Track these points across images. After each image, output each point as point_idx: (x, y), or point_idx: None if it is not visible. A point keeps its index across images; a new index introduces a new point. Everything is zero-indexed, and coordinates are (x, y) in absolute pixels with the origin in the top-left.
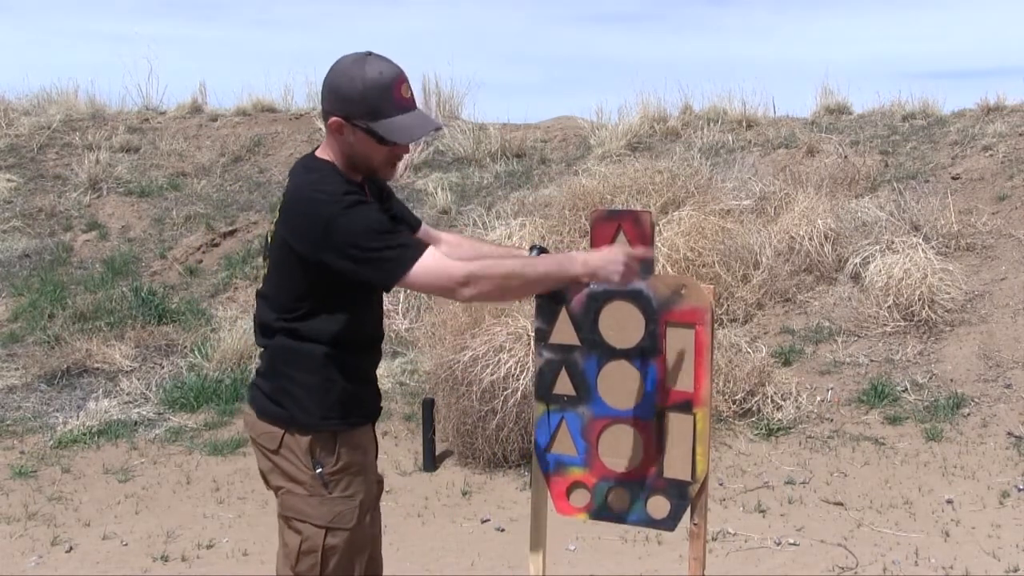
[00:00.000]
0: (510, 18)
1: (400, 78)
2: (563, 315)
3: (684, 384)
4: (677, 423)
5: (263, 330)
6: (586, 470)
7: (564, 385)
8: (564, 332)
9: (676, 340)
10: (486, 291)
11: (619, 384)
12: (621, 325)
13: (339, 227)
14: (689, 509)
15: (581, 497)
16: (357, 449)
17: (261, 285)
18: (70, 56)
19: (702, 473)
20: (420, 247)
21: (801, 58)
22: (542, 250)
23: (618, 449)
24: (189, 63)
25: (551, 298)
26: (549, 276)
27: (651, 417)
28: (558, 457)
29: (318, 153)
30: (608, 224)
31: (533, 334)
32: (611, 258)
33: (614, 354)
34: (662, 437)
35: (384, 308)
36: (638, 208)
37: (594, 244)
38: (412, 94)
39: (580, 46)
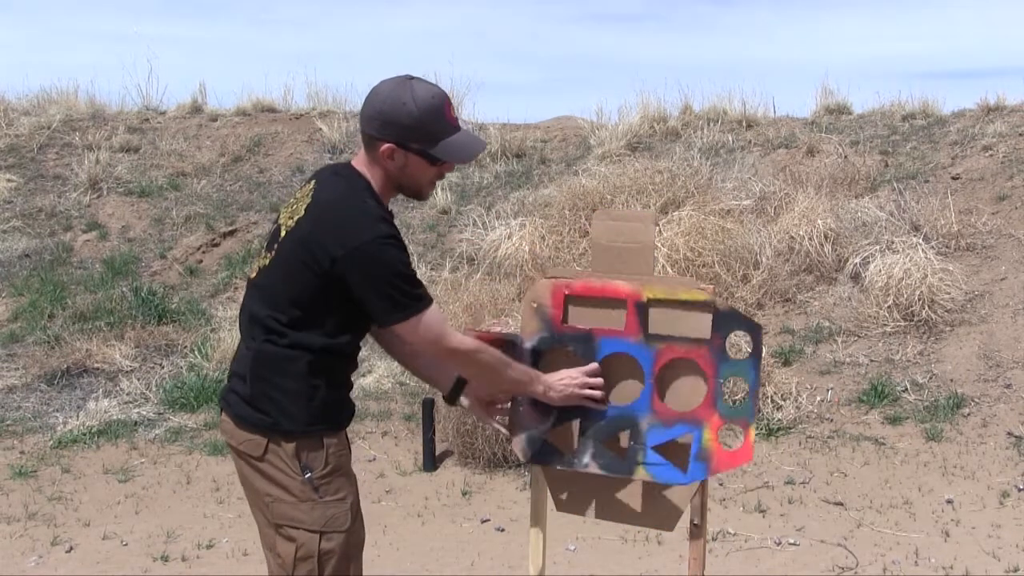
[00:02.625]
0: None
1: (447, 99)
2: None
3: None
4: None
5: (252, 323)
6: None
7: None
8: None
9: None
10: (459, 368)
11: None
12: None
13: (372, 253)
14: (689, 509)
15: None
16: (343, 451)
17: (255, 274)
18: (70, 56)
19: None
20: (429, 302)
21: (801, 58)
22: (511, 342)
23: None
24: (189, 63)
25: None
26: (515, 385)
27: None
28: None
29: (356, 165)
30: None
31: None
32: (570, 384)
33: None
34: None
35: None
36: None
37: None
38: (457, 112)
39: (580, 46)
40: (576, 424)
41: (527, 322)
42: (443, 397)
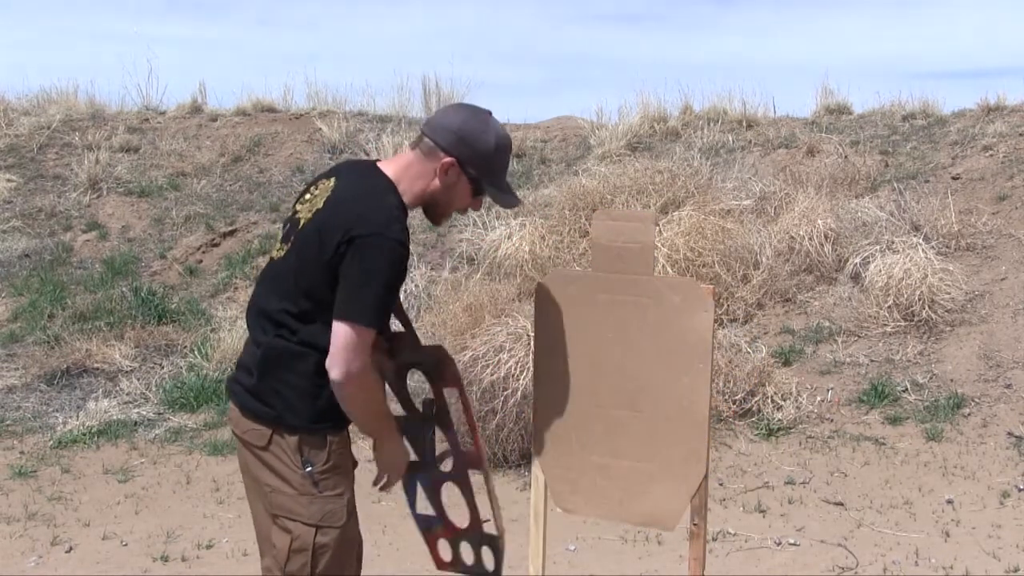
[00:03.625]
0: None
1: (511, 145)
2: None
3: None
4: (482, 481)
5: (262, 316)
6: (442, 527)
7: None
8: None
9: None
10: (354, 392)
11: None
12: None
13: (375, 247)
14: (689, 509)
15: (446, 551)
16: (344, 449)
17: (266, 266)
18: (70, 56)
19: (503, 529)
20: (374, 327)
21: (801, 58)
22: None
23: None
24: (189, 63)
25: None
26: (377, 427)
27: (462, 475)
28: (425, 515)
29: (385, 169)
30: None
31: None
32: (393, 469)
33: (426, 421)
34: (472, 493)
35: None
36: (639, 207)
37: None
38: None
39: (580, 46)
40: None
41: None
42: None
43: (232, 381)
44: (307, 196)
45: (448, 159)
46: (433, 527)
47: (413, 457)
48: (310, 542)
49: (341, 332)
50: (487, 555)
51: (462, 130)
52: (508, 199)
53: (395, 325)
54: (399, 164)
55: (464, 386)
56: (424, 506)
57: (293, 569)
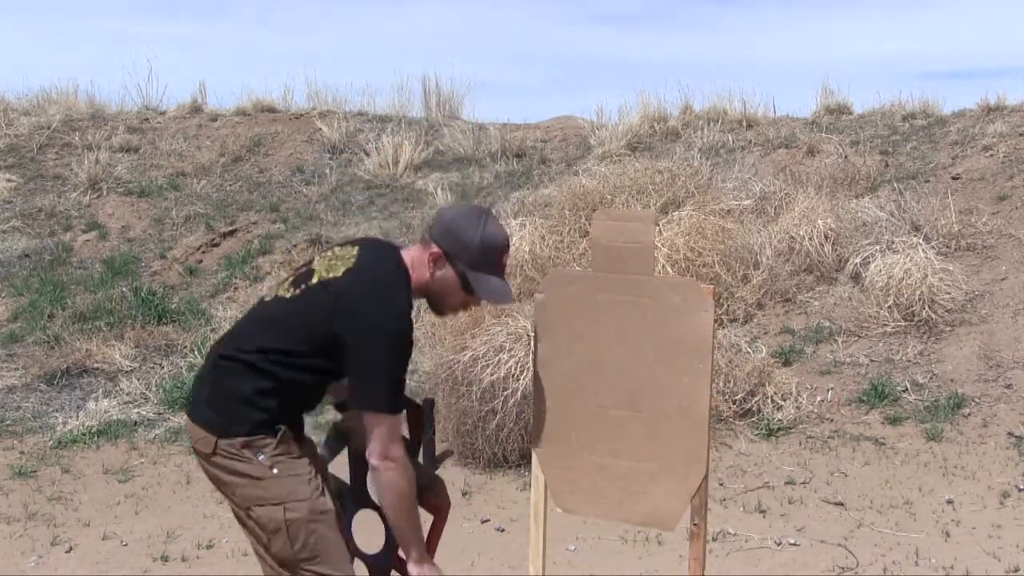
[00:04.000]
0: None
1: (507, 246)
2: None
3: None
4: None
5: (243, 337)
6: None
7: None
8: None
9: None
10: (387, 485)
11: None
12: None
13: (376, 342)
14: (689, 509)
15: None
16: (291, 440)
17: (270, 298)
18: (70, 56)
19: None
20: (399, 409)
21: (801, 58)
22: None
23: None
24: (189, 63)
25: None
26: (404, 536)
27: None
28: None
29: (405, 256)
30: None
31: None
32: None
33: (365, 505)
34: None
35: None
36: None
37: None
38: (508, 266)
39: (580, 46)
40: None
41: None
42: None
43: (189, 395)
44: (328, 253)
45: (436, 250)
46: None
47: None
48: (281, 519)
49: (371, 423)
50: None
51: (453, 223)
52: (496, 295)
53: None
54: (413, 253)
55: (447, 513)
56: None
57: (279, 553)
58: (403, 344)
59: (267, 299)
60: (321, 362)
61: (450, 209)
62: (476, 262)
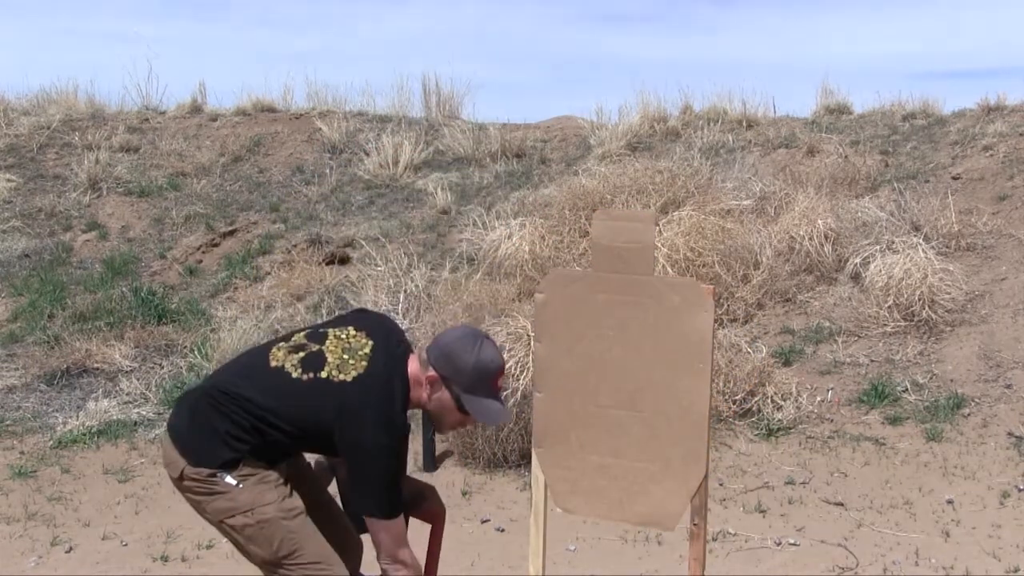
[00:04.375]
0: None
1: (501, 370)
2: None
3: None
4: None
5: (241, 383)
6: None
7: None
8: None
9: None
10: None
11: None
12: None
13: (368, 453)
14: (689, 509)
15: None
16: (258, 461)
17: (279, 363)
18: (70, 56)
19: None
20: (398, 512)
21: (801, 58)
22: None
23: None
24: (189, 63)
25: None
26: None
27: None
28: None
29: (409, 368)
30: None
31: None
32: None
33: None
34: None
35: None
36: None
37: None
38: (503, 388)
39: (580, 46)
40: None
41: None
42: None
43: (174, 408)
44: (342, 336)
45: (432, 374)
46: None
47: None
48: (252, 522)
49: (376, 529)
50: None
51: (448, 347)
52: (490, 417)
53: None
54: (413, 368)
55: (443, 519)
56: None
57: (261, 556)
58: (399, 455)
59: (272, 364)
60: (310, 443)
61: (447, 333)
62: (471, 386)
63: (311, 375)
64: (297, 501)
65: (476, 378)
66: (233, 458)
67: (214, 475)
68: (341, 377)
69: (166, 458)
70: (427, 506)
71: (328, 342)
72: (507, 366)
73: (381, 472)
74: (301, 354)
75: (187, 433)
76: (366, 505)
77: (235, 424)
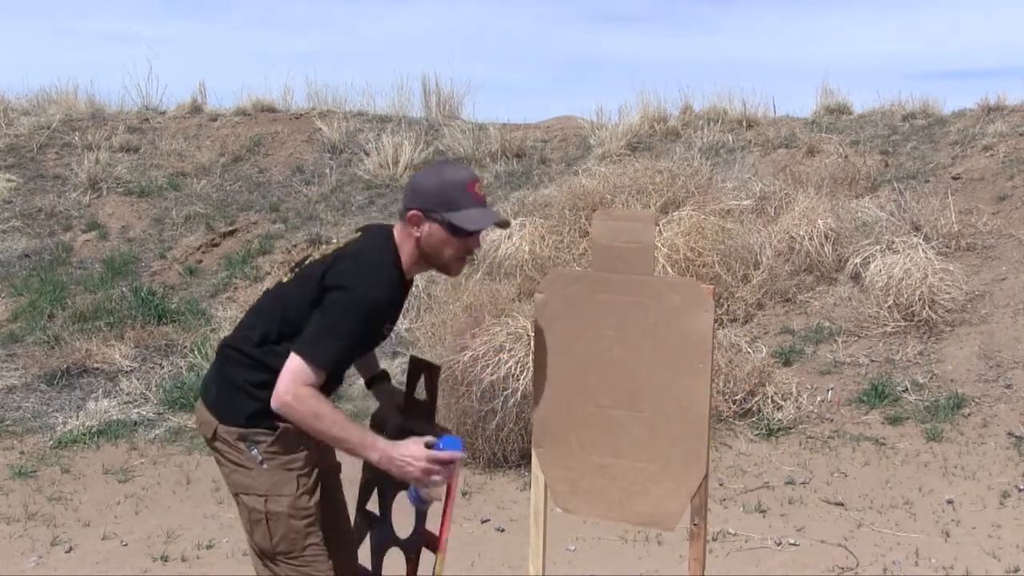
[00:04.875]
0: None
1: (474, 178)
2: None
3: (435, 528)
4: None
5: (249, 327)
6: None
7: (374, 504)
8: None
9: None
10: (297, 420)
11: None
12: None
13: (346, 299)
14: (689, 509)
15: None
16: (291, 437)
17: (274, 287)
18: (70, 56)
19: None
20: (320, 367)
21: (801, 58)
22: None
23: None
24: (189, 63)
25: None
26: (347, 445)
27: (413, 551)
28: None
29: (396, 235)
30: (415, 371)
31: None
32: (410, 459)
33: (400, 487)
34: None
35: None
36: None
37: (407, 386)
38: (484, 194)
39: (581, 46)
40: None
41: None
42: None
43: (201, 384)
44: (333, 242)
45: (412, 212)
46: None
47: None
48: (262, 510)
49: (291, 363)
50: None
51: (414, 181)
52: (481, 222)
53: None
54: (398, 232)
55: (458, 474)
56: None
57: (259, 543)
58: (368, 314)
59: (270, 289)
60: None
61: (413, 175)
62: (450, 203)
63: (297, 271)
64: (312, 503)
65: (451, 193)
66: (258, 408)
67: (243, 439)
68: (321, 256)
69: (198, 419)
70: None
71: (316, 251)
72: (507, 365)
73: (341, 318)
74: (292, 267)
75: (214, 390)
76: (304, 344)
77: (248, 368)
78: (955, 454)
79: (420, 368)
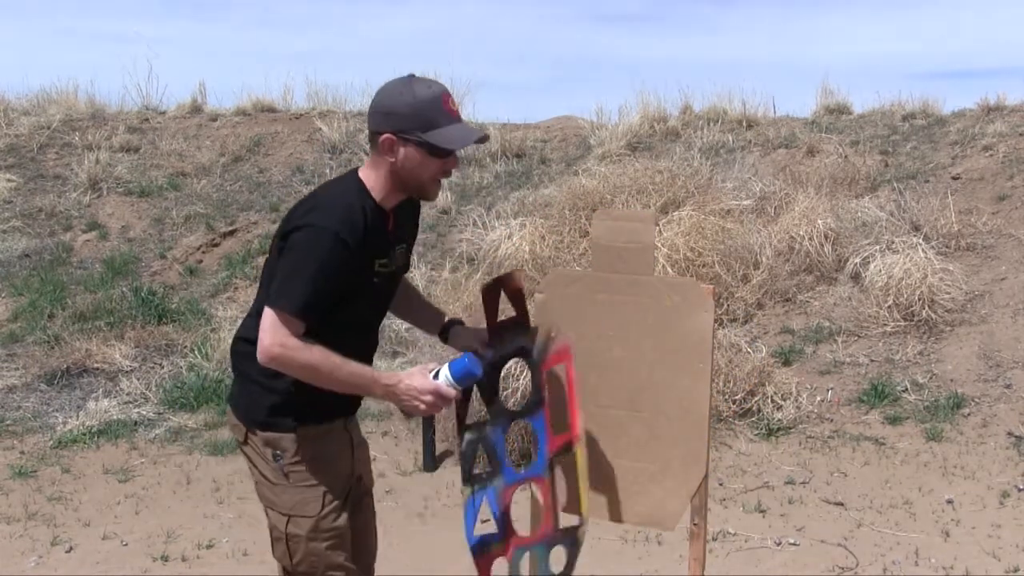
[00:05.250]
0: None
1: (446, 93)
2: (475, 392)
3: (564, 427)
4: (564, 469)
5: (249, 321)
6: (503, 543)
7: (482, 462)
8: (477, 410)
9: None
10: (283, 369)
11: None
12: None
13: (303, 237)
14: (689, 509)
15: (501, 570)
16: (319, 442)
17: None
18: (70, 56)
19: (587, 512)
20: (292, 310)
21: (801, 58)
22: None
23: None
24: (189, 63)
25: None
26: (349, 385)
27: (544, 469)
28: (481, 537)
29: (360, 172)
30: (492, 292)
31: (455, 421)
32: (416, 391)
33: (514, 416)
34: (555, 487)
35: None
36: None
37: (485, 312)
38: (458, 108)
39: (581, 46)
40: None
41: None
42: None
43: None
44: None
45: (384, 136)
46: (489, 546)
47: (477, 470)
48: (283, 531)
49: (265, 319)
50: (556, 557)
51: (382, 104)
52: (459, 140)
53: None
54: (367, 164)
55: (572, 358)
56: (481, 527)
57: (277, 556)
58: (331, 244)
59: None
60: None
61: (377, 95)
62: (425, 122)
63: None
64: (339, 521)
65: (425, 111)
66: (277, 402)
67: (269, 443)
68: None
69: (230, 423)
70: (560, 344)
71: None
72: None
73: (302, 257)
74: None
75: (234, 388)
76: (272, 295)
77: (255, 357)
78: (955, 454)
79: (496, 287)
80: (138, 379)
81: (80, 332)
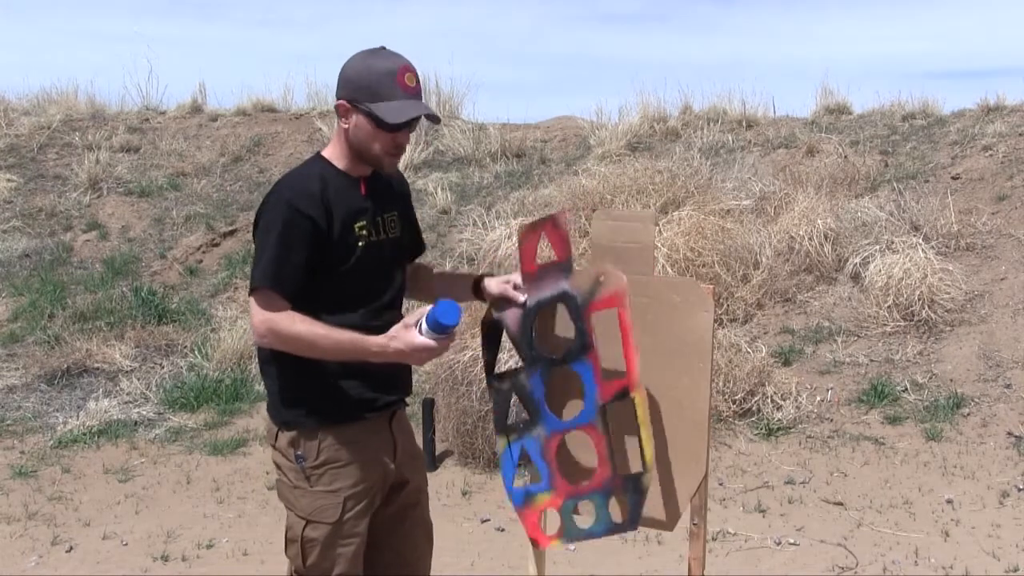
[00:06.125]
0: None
1: (405, 67)
2: (505, 340)
3: (618, 373)
4: (619, 415)
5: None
6: (551, 493)
7: (518, 412)
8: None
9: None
10: (279, 346)
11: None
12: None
13: (265, 216)
14: (689, 509)
15: (552, 523)
16: (345, 444)
17: None
18: (70, 56)
19: (651, 460)
20: (262, 281)
21: (801, 58)
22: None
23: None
24: (189, 63)
25: (492, 325)
26: (342, 351)
27: (595, 417)
28: (526, 489)
29: (324, 150)
30: (532, 235)
31: (483, 368)
32: (404, 353)
33: (553, 363)
34: (609, 435)
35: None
36: (639, 209)
37: (523, 257)
38: (417, 84)
39: (581, 46)
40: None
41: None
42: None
43: None
44: None
45: (339, 102)
46: (535, 497)
47: (511, 420)
48: (299, 534)
49: (250, 302)
50: (615, 507)
51: (343, 71)
52: (397, 115)
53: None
54: (334, 135)
55: (626, 301)
56: (523, 479)
57: (291, 556)
58: (290, 214)
59: None
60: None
61: (344, 64)
62: (373, 94)
63: None
64: (359, 527)
65: (376, 83)
66: (291, 397)
67: (294, 444)
68: None
69: (265, 425)
70: (611, 284)
71: None
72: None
73: (262, 237)
74: None
75: (267, 393)
76: (250, 280)
77: (262, 354)
78: (954, 454)
79: (536, 229)
80: (138, 379)
81: (80, 332)
